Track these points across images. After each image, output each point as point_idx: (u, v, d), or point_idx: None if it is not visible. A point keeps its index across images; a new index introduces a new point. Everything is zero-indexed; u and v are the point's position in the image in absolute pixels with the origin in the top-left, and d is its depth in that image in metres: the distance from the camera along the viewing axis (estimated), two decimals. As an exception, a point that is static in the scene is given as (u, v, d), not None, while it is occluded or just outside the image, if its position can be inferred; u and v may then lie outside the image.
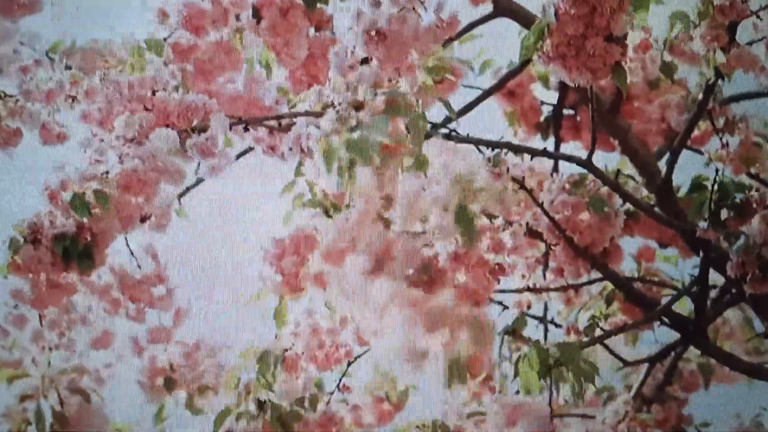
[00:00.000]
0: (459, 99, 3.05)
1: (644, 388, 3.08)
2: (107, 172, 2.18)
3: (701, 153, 2.97)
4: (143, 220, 2.72)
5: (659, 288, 2.90)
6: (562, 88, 3.03)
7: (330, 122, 2.08)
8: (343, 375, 2.69)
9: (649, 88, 3.04)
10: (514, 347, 2.49)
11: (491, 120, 3.10)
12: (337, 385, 2.69)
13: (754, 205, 2.66)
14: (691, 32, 2.63)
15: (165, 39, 2.61)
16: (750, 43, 2.65)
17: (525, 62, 2.74)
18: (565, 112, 3.12)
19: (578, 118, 3.05)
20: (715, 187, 2.64)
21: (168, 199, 2.68)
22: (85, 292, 2.70)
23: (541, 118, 3.13)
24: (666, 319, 2.78)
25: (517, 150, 2.54)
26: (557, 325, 2.79)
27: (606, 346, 2.96)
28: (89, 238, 2.18)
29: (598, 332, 2.74)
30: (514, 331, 2.49)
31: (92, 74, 2.40)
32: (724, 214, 2.66)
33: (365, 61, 2.24)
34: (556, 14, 2.35)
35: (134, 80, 2.36)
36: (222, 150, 2.23)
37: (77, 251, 2.17)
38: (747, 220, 2.63)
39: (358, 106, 2.08)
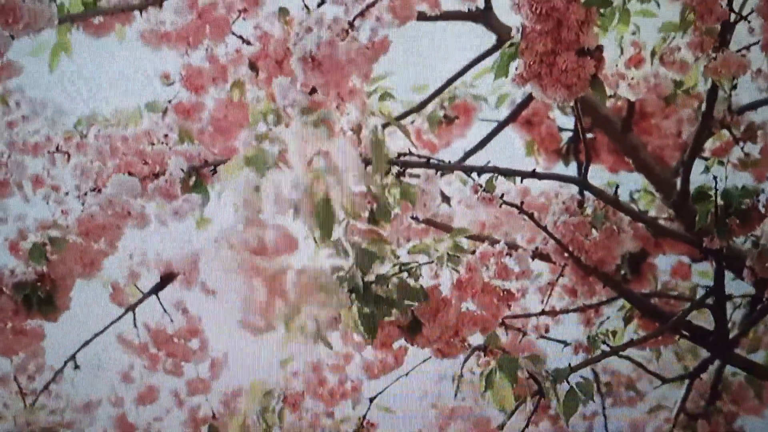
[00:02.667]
0: (476, 133, 2.97)
1: (688, 404, 2.89)
2: (66, 220, 2.13)
3: (722, 163, 2.80)
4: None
5: (679, 302, 2.70)
6: (579, 111, 2.88)
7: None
8: (367, 413, 2.57)
9: (665, 104, 2.87)
10: (483, 362, 2.34)
11: (512, 151, 2.98)
12: (362, 423, 2.57)
13: (763, 210, 2.45)
14: (678, 41, 2.47)
15: (169, 101, 2.56)
16: (748, 47, 2.48)
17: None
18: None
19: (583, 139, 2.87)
20: (718, 195, 2.44)
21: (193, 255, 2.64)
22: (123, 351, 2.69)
23: (561, 144, 2.98)
24: (686, 333, 2.59)
25: (506, 174, 2.40)
26: (567, 343, 2.62)
27: (640, 364, 2.80)
28: (49, 285, 2.13)
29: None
30: (485, 348, 2.34)
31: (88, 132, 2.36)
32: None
33: (314, 90, 2.15)
34: (523, 33, 2.21)
35: (129, 134, 2.32)
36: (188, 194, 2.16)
37: (39, 298, 2.12)
38: (753, 227, 2.44)
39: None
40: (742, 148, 2.79)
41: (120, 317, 2.69)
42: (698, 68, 2.46)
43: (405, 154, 2.34)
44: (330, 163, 1.90)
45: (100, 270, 2.19)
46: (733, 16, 2.42)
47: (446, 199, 2.88)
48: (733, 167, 2.87)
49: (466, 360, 2.37)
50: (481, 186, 2.41)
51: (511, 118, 2.88)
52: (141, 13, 2.41)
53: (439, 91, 2.81)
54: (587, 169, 2.48)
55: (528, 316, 2.59)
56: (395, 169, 2.30)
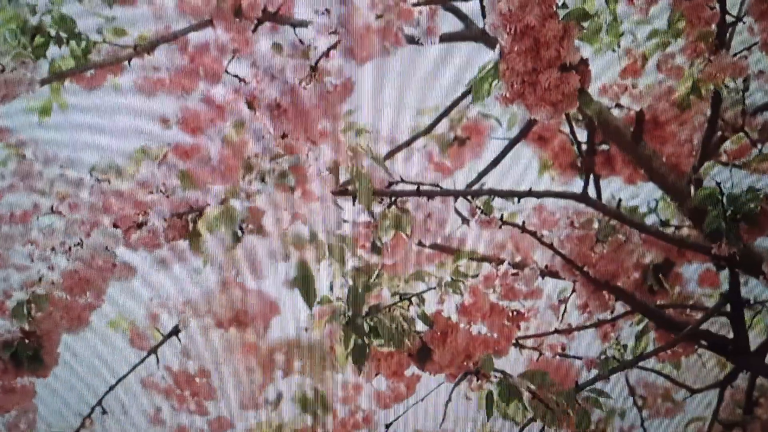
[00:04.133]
0: (491, 152, 2.91)
1: (725, 414, 2.79)
2: (52, 275, 2.13)
3: (724, 164, 2.71)
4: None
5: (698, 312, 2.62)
6: (590, 124, 2.82)
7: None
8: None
9: (679, 111, 2.79)
10: (475, 386, 2.29)
11: (527, 168, 2.92)
12: (381, 449, 2.53)
13: (777, 213, 2.36)
14: (673, 47, 2.40)
15: (168, 144, 2.57)
16: (749, 48, 2.40)
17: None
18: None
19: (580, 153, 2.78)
20: (724, 200, 2.35)
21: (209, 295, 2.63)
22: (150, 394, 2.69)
23: (575, 158, 2.92)
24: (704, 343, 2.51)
25: (502, 195, 2.35)
26: (579, 359, 2.55)
27: (666, 375, 2.72)
28: (36, 342, 2.13)
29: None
30: (478, 372, 2.28)
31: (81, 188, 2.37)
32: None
33: (286, 135, 2.13)
34: (501, 54, 2.17)
35: (123, 187, 2.33)
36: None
37: (26, 355, 2.12)
38: (763, 230, 2.35)
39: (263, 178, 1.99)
40: (760, 150, 2.70)
41: (143, 360, 2.70)
42: (692, 74, 2.38)
43: (396, 183, 2.31)
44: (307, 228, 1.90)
45: (87, 324, 2.18)
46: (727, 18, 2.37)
47: (466, 221, 2.84)
48: (752, 171, 2.78)
49: (455, 385, 2.32)
50: (479, 208, 2.37)
51: (521, 136, 2.82)
52: (129, 62, 2.42)
53: (444, 114, 2.77)
54: (587, 183, 2.42)
55: (542, 335, 2.53)
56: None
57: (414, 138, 2.79)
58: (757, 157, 2.54)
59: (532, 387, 2.18)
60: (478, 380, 2.27)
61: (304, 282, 1.99)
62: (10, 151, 2.49)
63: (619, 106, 2.67)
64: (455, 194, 2.36)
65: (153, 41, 2.46)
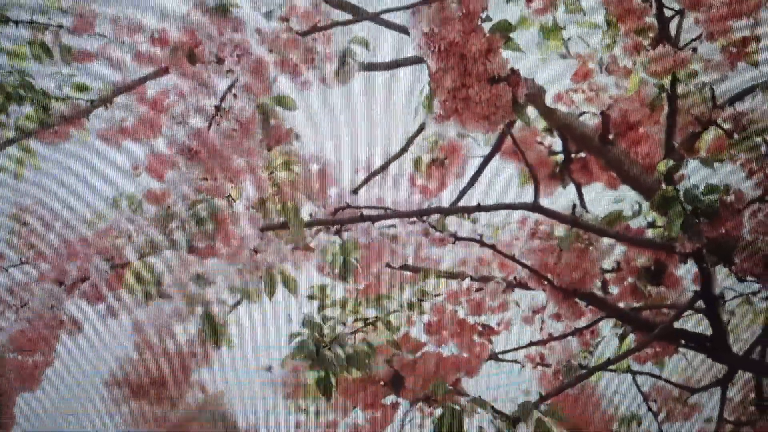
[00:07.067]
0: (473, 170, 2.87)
1: (740, 413, 2.71)
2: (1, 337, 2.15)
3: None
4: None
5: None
6: (562, 133, 2.77)
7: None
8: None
9: (650, 111, 2.73)
10: (426, 413, 2.25)
11: (508, 183, 2.88)
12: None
13: (739, 206, 2.29)
14: (614, 49, 2.35)
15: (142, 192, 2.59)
16: (696, 38, 2.35)
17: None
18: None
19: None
20: (681, 197, 2.29)
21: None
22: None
23: (555, 168, 2.87)
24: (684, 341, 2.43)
25: (451, 212, 2.33)
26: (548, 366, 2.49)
27: (660, 377, 2.65)
28: None
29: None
30: (428, 397, 2.24)
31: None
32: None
33: (205, 178, 2.13)
34: (429, 73, 2.15)
35: (89, 235, 2.36)
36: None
37: None
38: (724, 224, 2.27)
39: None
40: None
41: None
42: (637, 71, 2.33)
43: (343, 208, 2.30)
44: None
45: (40, 382, 2.19)
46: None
47: (453, 240, 2.81)
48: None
49: (407, 413, 2.29)
50: (433, 227, 2.35)
51: (494, 152, 2.78)
52: (87, 117, 2.45)
53: (413, 137, 2.76)
54: (537, 193, 2.38)
55: (517, 349, 2.49)
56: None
57: (387, 164, 2.77)
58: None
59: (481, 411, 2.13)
60: (429, 406, 2.24)
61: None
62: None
63: (584, 113, 2.63)
64: (400, 215, 2.33)
65: (111, 92, 2.49)
